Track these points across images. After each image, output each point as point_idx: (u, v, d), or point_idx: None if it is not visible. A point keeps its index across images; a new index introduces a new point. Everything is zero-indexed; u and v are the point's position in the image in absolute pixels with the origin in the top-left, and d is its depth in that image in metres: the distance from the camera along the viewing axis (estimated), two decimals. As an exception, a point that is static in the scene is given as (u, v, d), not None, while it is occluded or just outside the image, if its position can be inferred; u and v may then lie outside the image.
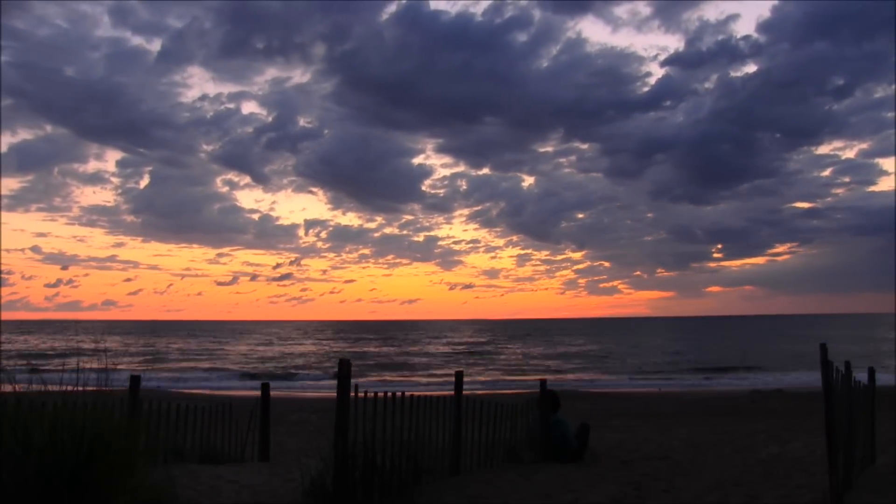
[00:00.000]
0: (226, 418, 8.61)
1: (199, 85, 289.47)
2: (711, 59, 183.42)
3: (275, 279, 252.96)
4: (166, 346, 69.23)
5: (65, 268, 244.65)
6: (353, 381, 5.86)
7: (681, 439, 11.70)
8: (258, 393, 9.49)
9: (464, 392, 7.96)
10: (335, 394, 5.81)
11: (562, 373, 42.02)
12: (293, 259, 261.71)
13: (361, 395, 6.22)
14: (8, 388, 4.90)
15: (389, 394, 6.71)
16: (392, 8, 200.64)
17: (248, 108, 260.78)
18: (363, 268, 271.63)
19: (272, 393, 9.65)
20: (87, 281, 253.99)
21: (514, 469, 8.15)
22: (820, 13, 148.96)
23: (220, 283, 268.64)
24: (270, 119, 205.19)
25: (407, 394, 7.01)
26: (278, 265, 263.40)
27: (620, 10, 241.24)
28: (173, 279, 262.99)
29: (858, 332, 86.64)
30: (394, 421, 6.54)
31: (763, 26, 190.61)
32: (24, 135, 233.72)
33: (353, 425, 5.85)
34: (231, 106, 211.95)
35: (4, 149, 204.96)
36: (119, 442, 4.45)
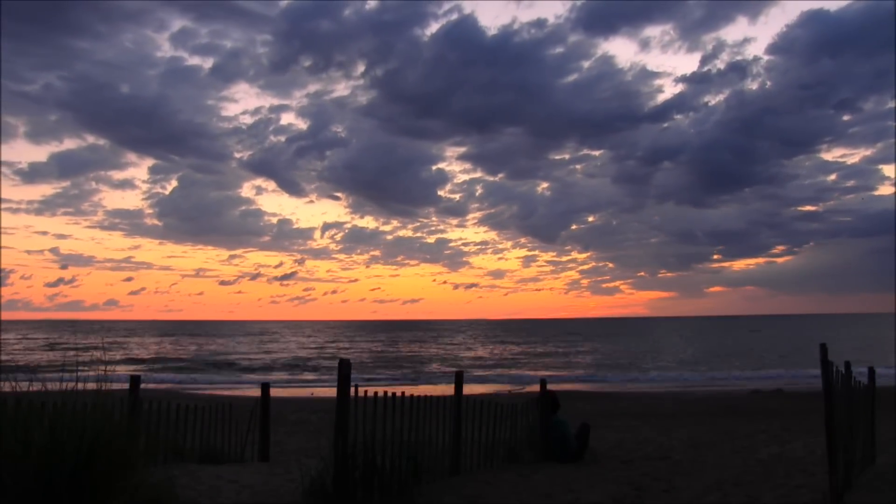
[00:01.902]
0: (226, 418, 8.61)
1: (244, 99, 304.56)
2: (722, 76, 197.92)
3: (276, 279, 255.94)
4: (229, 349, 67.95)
5: (64, 267, 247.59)
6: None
7: (681, 439, 11.70)
8: (258, 393, 9.49)
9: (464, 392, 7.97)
10: (335, 394, 5.81)
11: (562, 372, 41.99)
12: (297, 259, 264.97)
13: (361, 394, 6.22)
14: (8, 388, 4.90)
15: (389, 394, 6.71)
16: (436, 27, 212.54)
17: (286, 119, 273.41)
18: (369, 268, 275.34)
19: (272, 393, 9.65)
20: (90, 280, 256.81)
21: (514, 469, 8.15)
22: (827, 35, 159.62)
23: (223, 283, 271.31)
24: (303, 129, 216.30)
25: (407, 393, 7.02)
26: (280, 264, 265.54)
27: (651, 32, 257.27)
28: (180, 279, 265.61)
29: (858, 332, 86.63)
30: (394, 421, 6.54)
31: (774, 47, 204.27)
32: (69, 144, 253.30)
33: (353, 425, 5.86)
34: (271, 116, 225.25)
35: (45, 157, 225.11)
36: (119, 442, 4.44)
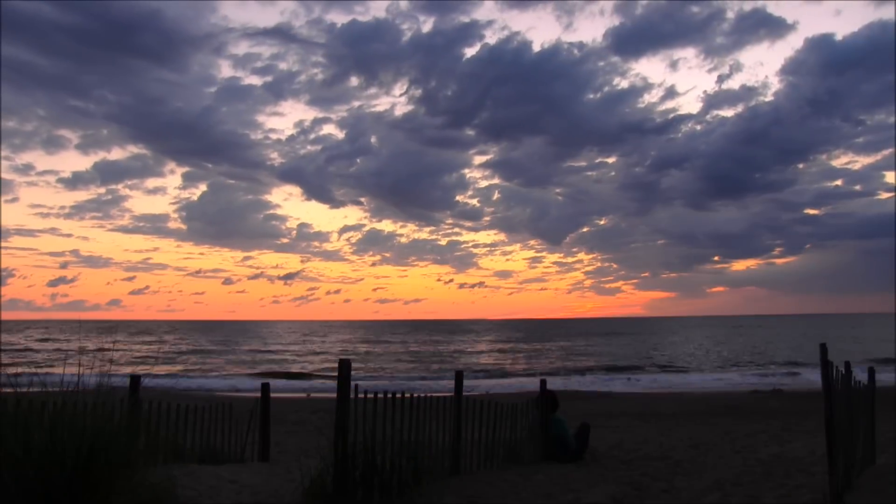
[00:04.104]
0: (226, 418, 8.61)
1: (290, 113, 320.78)
2: (736, 93, 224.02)
3: (280, 278, 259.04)
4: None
5: (64, 266, 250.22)
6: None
7: (681, 439, 11.70)
8: (258, 393, 9.49)
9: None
10: (335, 394, 5.81)
11: (562, 373, 42.00)
12: (303, 259, 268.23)
13: (361, 395, 6.22)
14: (8, 388, 4.90)
15: (389, 394, 6.71)
16: (479, 46, 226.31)
17: (325, 130, 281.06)
18: (378, 268, 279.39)
19: (272, 393, 9.65)
20: (93, 280, 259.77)
21: (514, 469, 8.15)
22: (835, 56, 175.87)
23: (225, 283, 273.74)
24: (338, 139, 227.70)
25: (406, 394, 7.02)
26: (278, 265, 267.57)
27: (678, 54, 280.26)
28: (182, 279, 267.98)
29: (858, 332, 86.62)
30: (394, 421, 6.54)
31: (785, 68, 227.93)
32: (115, 155, 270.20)
33: (353, 425, 5.85)
34: (311, 128, 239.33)
35: (89, 166, 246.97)
36: (119, 442, 4.44)
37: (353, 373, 5.99)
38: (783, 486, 6.97)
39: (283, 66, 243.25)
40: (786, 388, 26.98)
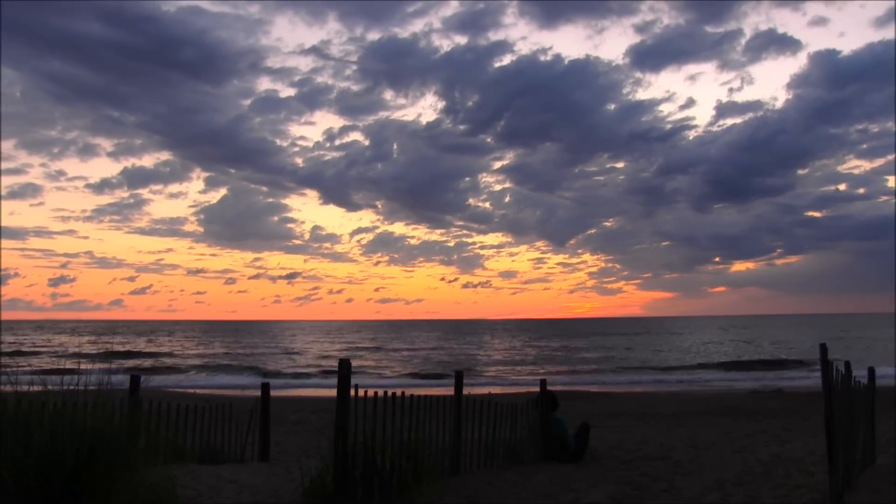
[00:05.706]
0: (226, 418, 8.61)
1: (321, 122, 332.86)
2: (745, 104, 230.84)
3: (282, 278, 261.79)
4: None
5: (64, 265, 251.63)
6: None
7: (681, 439, 11.69)
8: (258, 393, 9.49)
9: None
10: (335, 394, 5.82)
11: (562, 372, 42.01)
12: (307, 259, 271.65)
13: (361, 394, 6.22)
14: (8, 388, 4.91)
15: (389, 393, 6.71)
16: (504, 61, 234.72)
17: (349, 137, 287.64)
18: (384, 268, 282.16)
19: (272, 393, 9.66)
20: (95, 280, 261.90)
21: (514, 469, 8.15)
22: (838, 70, 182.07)
23: (227, 282, 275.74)
24: (360, 147, 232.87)
25: (407, 393, 7.02)
26: (277, 265, 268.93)
27: (693, 69, 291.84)
28: (184, 277, 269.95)
29: (858, 333, 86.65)
30: (394, 421, 6.54)
31: (791, 82, 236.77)
32: (145, 162, 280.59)
33: (353, 425, 5.86)
34: (336, 135, 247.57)
35: (117, 172, 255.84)
36: (119, 442, 4.45)
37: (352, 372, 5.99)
38: (783, 486, 6.97)
39: (319, 79, 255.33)
40: (786, 388, 26.98)
